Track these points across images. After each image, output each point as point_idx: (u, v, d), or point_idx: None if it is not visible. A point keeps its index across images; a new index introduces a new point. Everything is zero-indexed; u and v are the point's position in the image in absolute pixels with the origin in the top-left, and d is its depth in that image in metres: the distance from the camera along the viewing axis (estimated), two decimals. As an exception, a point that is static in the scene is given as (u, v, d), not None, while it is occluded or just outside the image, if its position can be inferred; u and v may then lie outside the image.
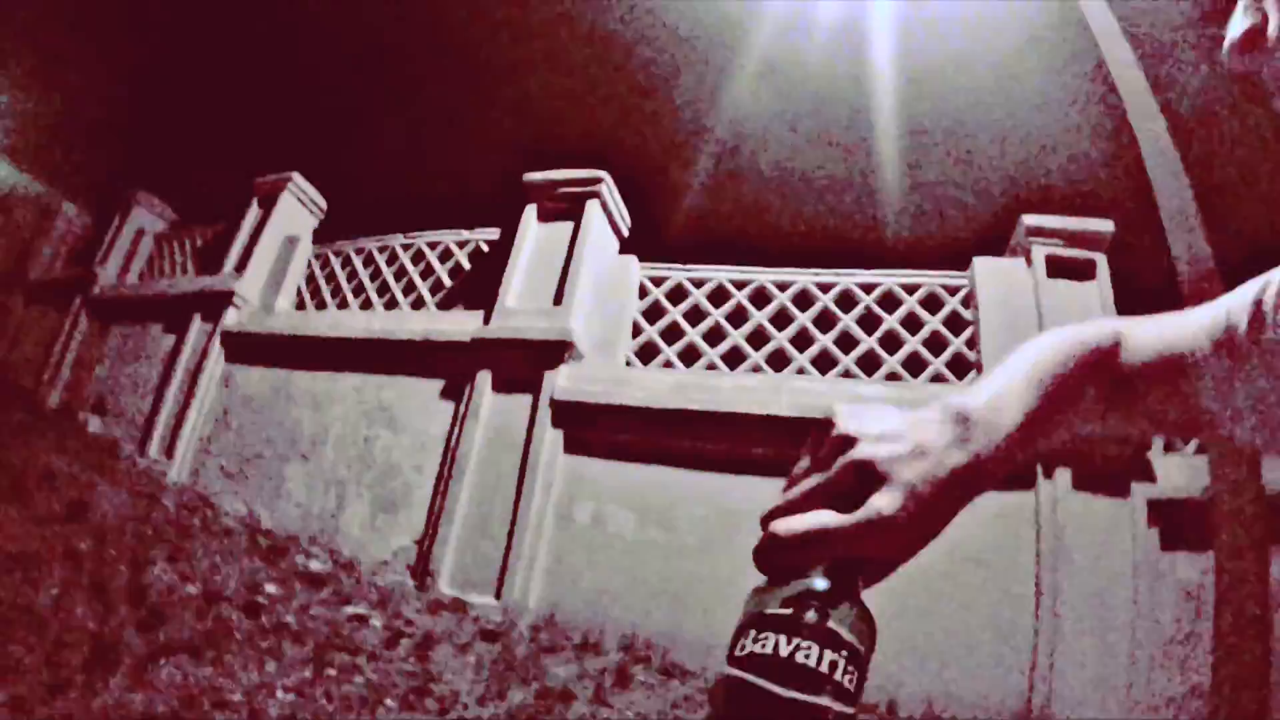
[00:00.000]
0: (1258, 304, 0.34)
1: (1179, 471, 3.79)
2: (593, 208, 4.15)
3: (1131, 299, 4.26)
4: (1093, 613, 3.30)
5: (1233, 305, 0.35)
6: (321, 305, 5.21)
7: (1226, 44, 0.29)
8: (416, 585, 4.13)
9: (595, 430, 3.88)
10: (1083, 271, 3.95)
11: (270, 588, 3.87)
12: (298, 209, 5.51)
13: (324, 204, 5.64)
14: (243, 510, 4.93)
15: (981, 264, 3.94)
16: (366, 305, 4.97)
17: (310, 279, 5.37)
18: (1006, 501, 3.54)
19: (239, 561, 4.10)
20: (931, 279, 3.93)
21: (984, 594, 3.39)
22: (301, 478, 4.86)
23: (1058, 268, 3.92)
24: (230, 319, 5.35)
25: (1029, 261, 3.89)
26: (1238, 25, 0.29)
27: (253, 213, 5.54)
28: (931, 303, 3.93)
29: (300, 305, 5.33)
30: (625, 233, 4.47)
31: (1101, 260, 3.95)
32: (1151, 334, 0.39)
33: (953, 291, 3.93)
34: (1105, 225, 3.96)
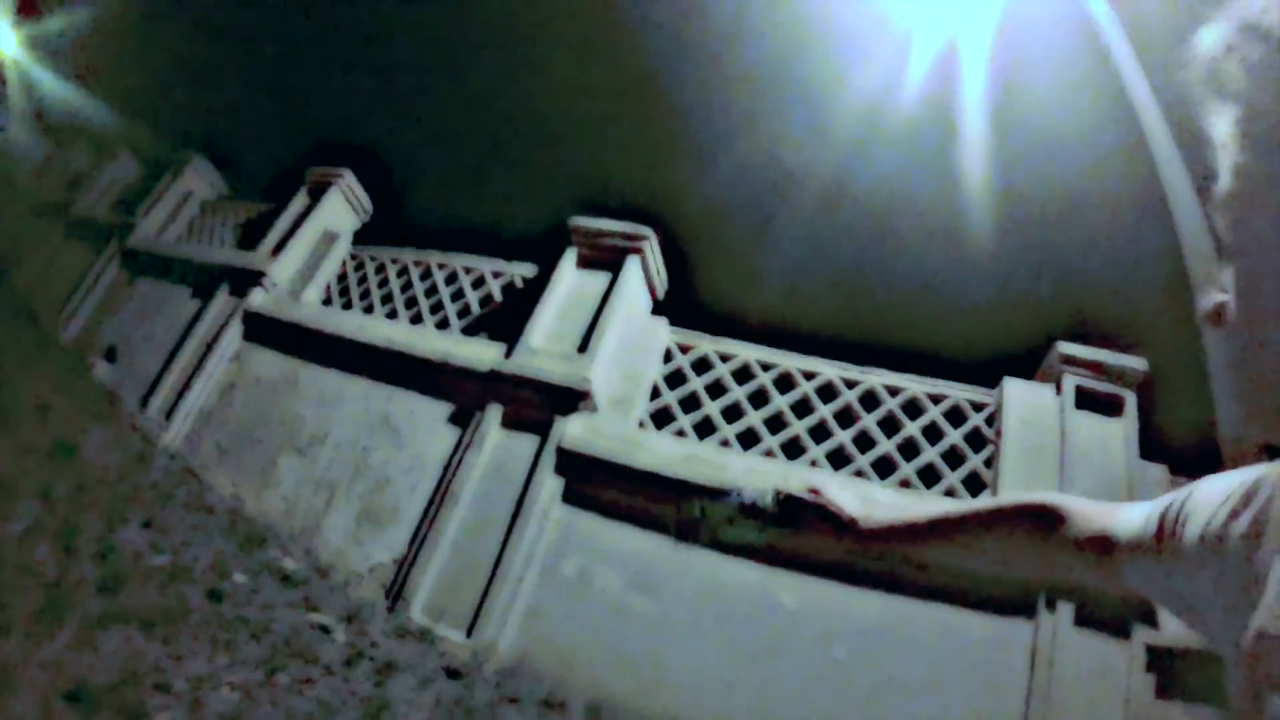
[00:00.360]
0: (1162, 517, 0.44)
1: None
2: (632, 263, 4.18)
3: (1153, 444, 4.20)
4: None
5: (1152, 513, 0.46)
6: (348, 305, 5.25)
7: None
8: (388, 606, 4.03)
9: (598, 486, 3.82)
10: (1111, 407, 3.89)
11: (239, 577, 3.78)
12: (343, 206, 5.60)
13: (370, 206, 5.74)
14: (228, 492, 4.87)
15: (1011, 385, 3.90)
16: (392, 315, 4.99)
17: (342, 277, 5.42)
18: (1000, 629, 3.42)
19: (213, 543, 4.02)
20: (959, 392, 3.89)
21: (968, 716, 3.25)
22: (294, 472, 4.81)
23: (1087, 400, 3.87)
24: (256, 298, 5.40)
25: (1059, 389, 3.84)
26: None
27: (299, 200, 5.63)
28: (954, 415, 3.88)
29: (327, 301, 5.37)
30: (660, 294, 4.49)
31: (1131, 398, 3.90)
32: (1094, 514, 0.52)
33: (978, 407, 3.88)
34: (1139, 362, 3.92)
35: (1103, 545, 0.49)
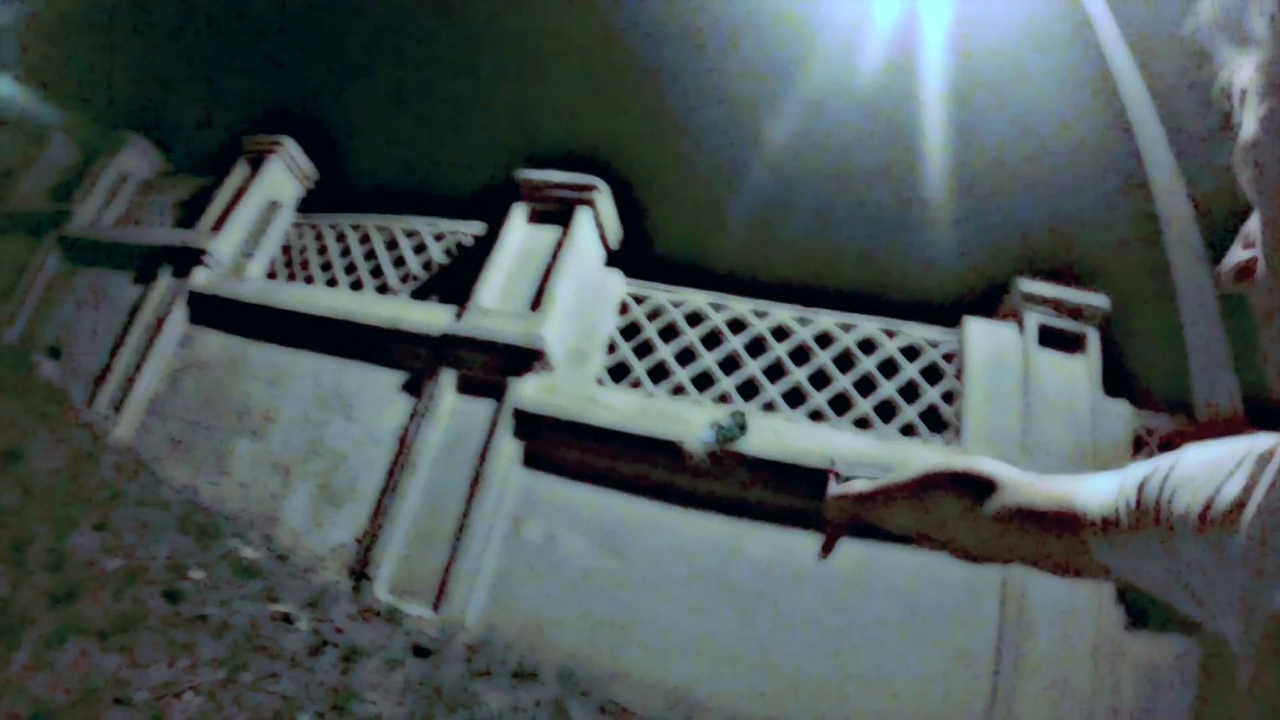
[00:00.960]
0: (1141, 489, 0.40)
1: None
2: (584, 215, 4.01)
3: (1119, 378, 4.21)
4: (1052, 687, 3.18)
5: (1125, 486, 0.41)
6: (293, 277, 5.00)
7: (1222, 267, 0.34)
8: (352, 587, 3.89)
9: (557, 447, 3.70)
10: (1074, 343, 3.87)
11: (196, 572, 3.61)
12: (285, 174, 5.32)
13: (313, 173, 5.46)
14: (183, 483, 4.66)
15: (972, 324, 3.84)
16: (338, 284, 4.77)
17: (287, 249, 5.17)
18: (973, 570, 3.42)
19: (169, 539, 3.83)
20: (914, 330, 3.83)
21: (943, 661, 3.25)
22: (247, 456, 4.61)
23: (1049, 337, 3.84)
24: (199, 278, 5.12)
25: (1021, 327, 3.80)
26: (1233, 256, 0.33)
27: (239, 172, 5.33)
28: (912, 353, 3.82)
29: (272, 274, 5.12)
30: (614, 245, 4.34)
31: (1094, 335, 3.88)
32: (1048, 489, 0.47)
33: (935, 345, 3.83)
34: (1101, 300, 3.90)
35: (1066, 522, 0.44)
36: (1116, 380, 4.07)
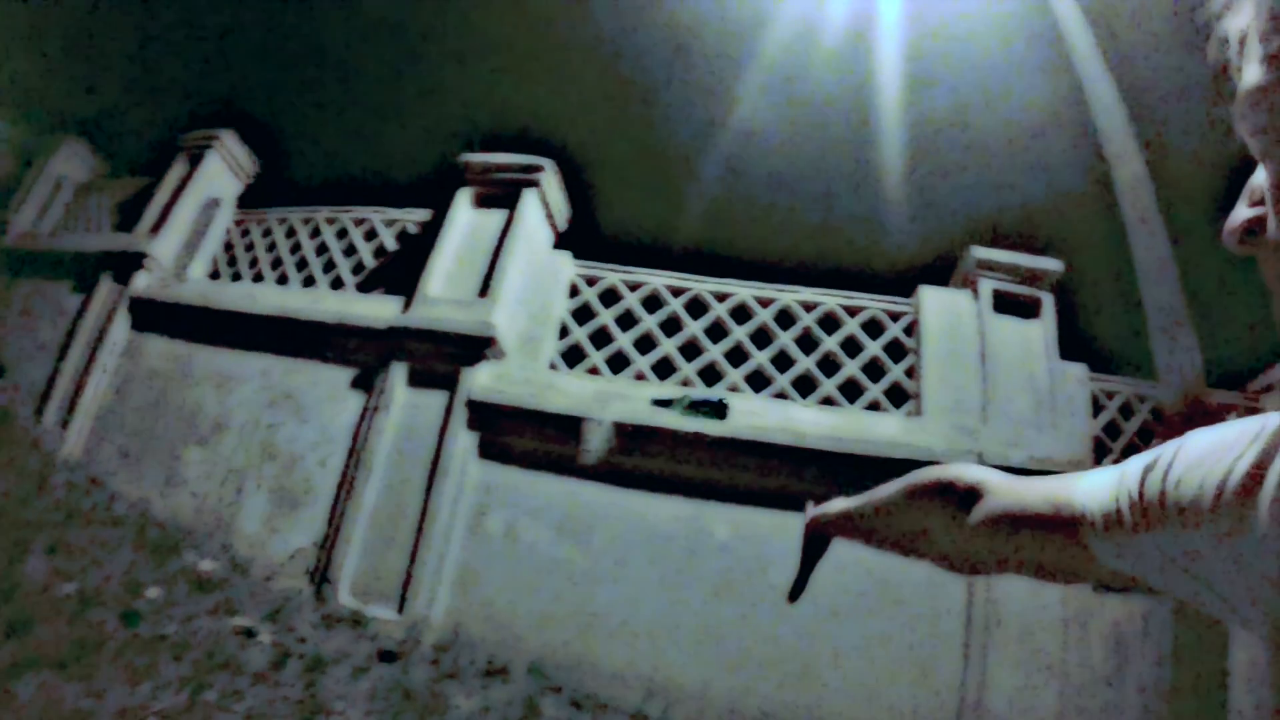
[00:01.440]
0: (1143, 482, 0.37)
1: None
2: (530, 197, 3.89)
3: (1075, 342, 4.24)
4: (1022, 651, 3.20)
5: (1126, 479, 0.38)
6: (237, 276, 4.80)
7: (1227, 227, 0.32)
8: (314, 593, 3.76)
9: (513, 436, 3.60)
10: (1029, 309, 3.87)
11: (153, 591, 3.46)
12: (224, 170, 5.09)
13: (253, 167, 5.24)
14: (136, 497, 4.46)
15: (927, 292, 3.82)
16: (283, 280, 4.59)
17: (229, 246, 4.96)
18: None
19: (123, 557, 3.66)
20: (875, 303, 3.80)
21: (912, 630, 3.25)
22: (199, 464, 4.43)
23: (1004, 303, 3.84)
24: (140, 283, 4.89)
25: (975, 294, 3.79)
26: (1239, 215, 0.31)
27: (177, 170, 5.09)
28: (873, 328, 3.79)
29: (215, 274, 4.91)
30: (562, 227, 4.22)
31: (1048, 300, 3.89)
32: (1039, 490, 0.44)
33: (896, 317, 3.80)
34: (1055, 264, 3.90)
35: (1063, 524, 0.41)
36: (1073, 344, 4.10)
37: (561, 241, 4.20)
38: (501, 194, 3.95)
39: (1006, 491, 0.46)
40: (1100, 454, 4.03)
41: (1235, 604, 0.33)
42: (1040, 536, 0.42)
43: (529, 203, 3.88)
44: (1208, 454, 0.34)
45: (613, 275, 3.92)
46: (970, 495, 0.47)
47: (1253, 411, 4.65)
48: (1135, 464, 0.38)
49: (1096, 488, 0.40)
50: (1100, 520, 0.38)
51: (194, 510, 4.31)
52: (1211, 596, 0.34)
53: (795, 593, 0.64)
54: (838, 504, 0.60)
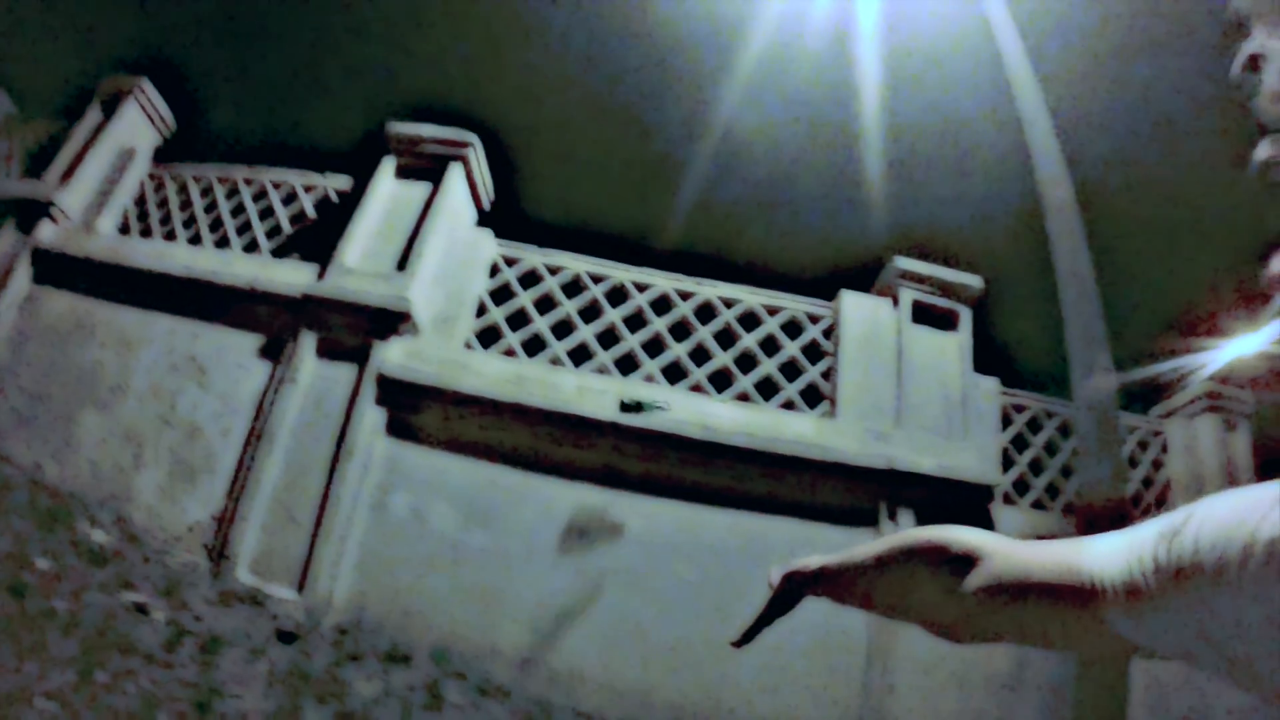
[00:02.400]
0: (1165, 548, 0.35)
1: (1015, 523, 3.88)
2: (455, 171, 3.79)
3: (990, 357, 4.39)
4: (925, 653, 3.28)
5: (1143, 546, 0.37)
6: (148, 233, 4.53)
7: (1270, 274, 0.34)
8: (211, 568, 3.57)
9: (423, 415, 3.50)
10: (947, 321, 3.99)
11: (43, 562, 3.22)
12: (141, 120, 4.79)
13: (172, 120, 4.95)
14: (27, 461, 4.16)
15: (848, 298, 3.89)
16: (196, 240, 4.35)
17: (141, 202, 4.67)
18: (849, 537, 3.47)
19: (12, 526, 3.40)
20: (795, 304, 3.84)
21: (818, 630, 3.29)
22: (96, 429, 4.15)
23: (923, 314, 3.94)
24: (46, 233, 4.55)
25: (895, 303, 3.88)
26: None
27: (91, 117, 4.76)
28: (793, 328, 3.83)
29: (125, 229, 4.61)
30: (487, 204, 4.13)
31: (966, 313, 4.01)
32: (1043, 557, 0.42)
33: (815, 320, 3.85)
34: (975, 280, 4.03)
35: (1073, 593, 0.39)
36: (988, 359, 4.25)
37: (486, 220, 4.11)
38: (426, 167, 3.83)
39: (1006, 558, 0.43)
40: (1007, 465, 4.19)
41: (1260, 670, 0.31)
42: (1046, 606, 0.40)
43: (454, 178, 3.77)
44: (1230, 517, 0.33)
45: (534, 257, 3.85)
46: (965, 561, 0.44)
47: (1157, 435, 4.92)
48: (1148, 530, 0.37)
49: (1108, 555, 0.38)
50: (1116, 588, 0.36)
51: (89, 478, 4.05)
52: (1228, 666, 0.33)
53: (744, 640, 0.59)
54: (815, 560, 0.57)
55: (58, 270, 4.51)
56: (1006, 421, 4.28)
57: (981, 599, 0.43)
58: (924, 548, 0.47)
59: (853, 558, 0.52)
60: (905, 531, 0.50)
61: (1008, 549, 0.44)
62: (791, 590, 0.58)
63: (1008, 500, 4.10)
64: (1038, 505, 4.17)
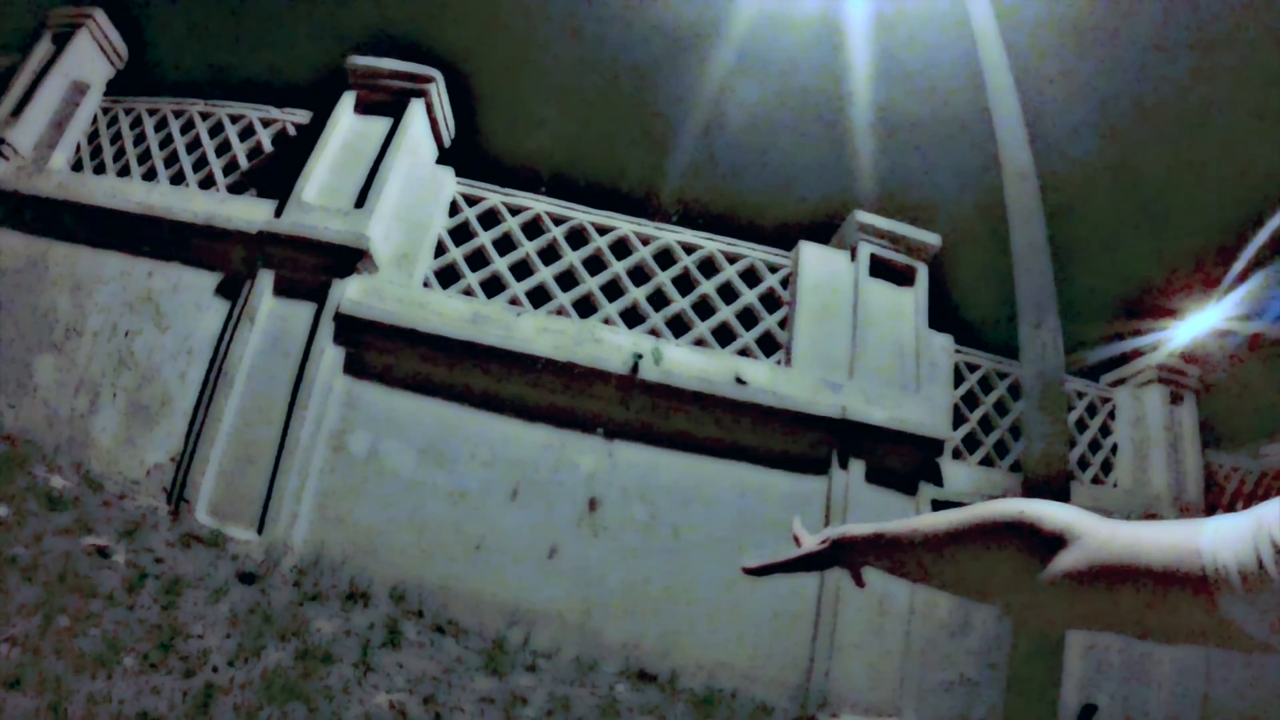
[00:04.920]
0: None
1: (963, 478, 4.02)
2: (416, 107, 3.73)
3: (948, 316, 4.50)
4: (873, 602, 3.40)
5: (1266, 525, 0.33)
6: (101, 169, 4.40)
7: None
8: (170, 511, 3.57)
9: (381, 354, 3.50)
10: (904, 277, 4.07)
11: (0, 509, 3.19)
12: (94, 51, 4.61)
13: (125, 51, 4.78)
14: None
15: (807, 248, 3.95)
16: (150, 176, 4.24)
17: (94, 136, 4.53)
18: (800, 484, 3.57)
19: None
20: (755, 253, 3.89)
21: (774, 582, 3.39)
22: (52, 372, 4.08)
23: (881, 269, 4.01)
24: (-4, 171, 4.40)
25: (854, 256, 3.94)
26: None
27: (42, 49, 4.57)
28: (751, 277, 3.89)
29: (78, 166, 4.48)
30: (448, 141, 4.08)
31: (923, 270, 4.10)
32: (1152, 539, 0.38)
33: (774, 269, 3.91)
34: (933, 238, 4.11)
35: (1185, 579, 0.35)
36: (944, 318, 4.36)
37: (448, 158, 4.06)
38: (388, 102, 3.77)
39: (1106, 539, 0.39)
40: (958, 422, 4.33)
41: None
42: (1150, 593, 0.36)
43: (415, 113, 3.72)
44: None
45: (494, 196, 3.83)
46: (1055, 541, 0.40)
47: (1105, 401, 5.12)
48: (1273, 508, 0.34)
49: (1228, 537, 0.34)
50: (1237, 574, 0.33)
51: (45, 422, 4.00)
52: None
53: (759, 572, 0.57)
54: (866, 526, 0.52)
55: (9, 209, 4.37)
56: (959, 379, 4.41)
57: (1072, 584, 0.39)
58: (1008, 523, 0.42)
59: (915, 528, 0.48)
60: (984, 504, 0.45)
61: (1108, 530, 0.39)
62: (832, 554, 0.54)
63: (957, 455, 4.25)
64: (986, 462, 4.33)
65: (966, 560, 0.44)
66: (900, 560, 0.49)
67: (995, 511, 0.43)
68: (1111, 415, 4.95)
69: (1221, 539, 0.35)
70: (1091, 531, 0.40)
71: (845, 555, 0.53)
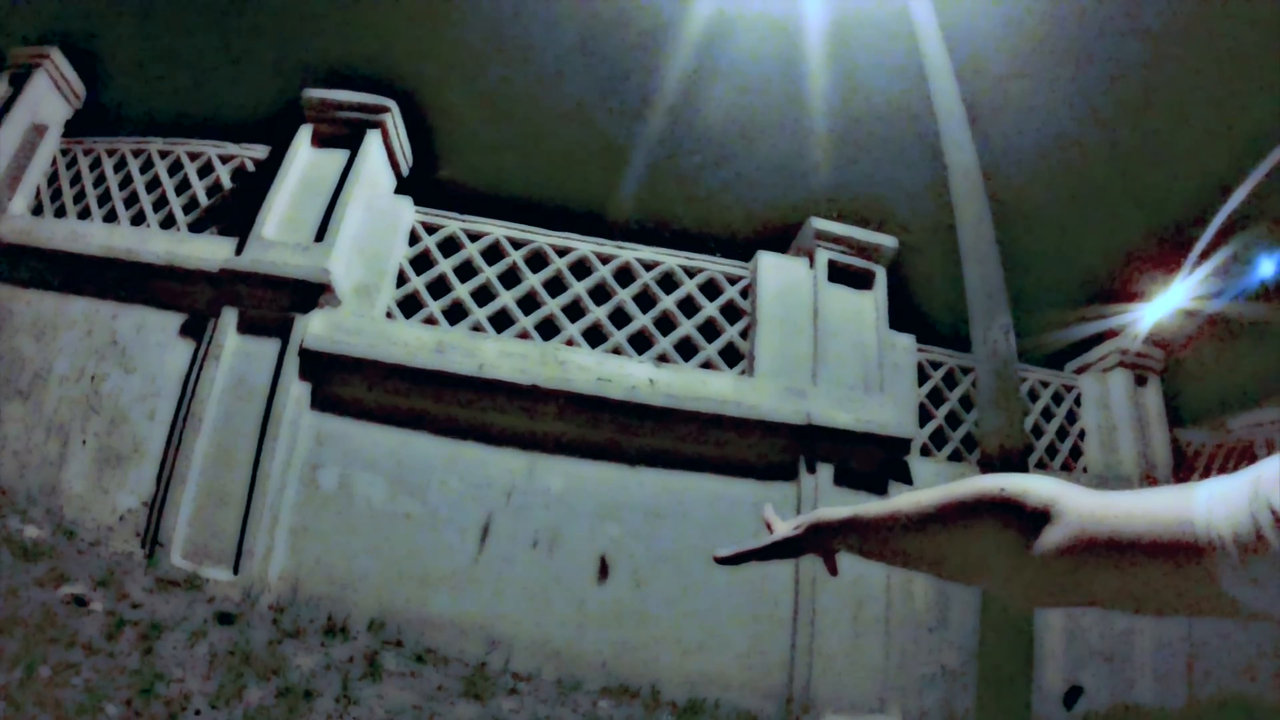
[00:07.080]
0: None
1: (932, 474, 4.10)
2: (373, 138, 3.77)
3: (909, 315, 4.60)
4: (850, 601, 3.45)
5: (1264, 490, 0.31)
6: (62, 212, 4.39)
7: None
8: (145, 555, 3.56)
9: (347, 386, 3.52)
10: (863, 280, 4.16)
11: None
12: (52, 92, 4.61)
13: (83, 91, 4.77)
14: None
15: (765, 258, 4.02)
16: (111, 217, 4.24)
17: (53, 179, 4.52)
18: (769, 492, 3.63)
19: None
20: (713, 265, 3.96)
21: (744, 583, 3.44)
22: (20, 420, 4.05)
23: (839, 273, 4.10)
24: (-46, 219, 4.37)
25: (812, 263, 4.02)
26: None
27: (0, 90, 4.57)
28: (711, 289, 3.95)
29: (38, 210, 4.47)
30: (405, 171, 4.13)
31: (881, 273, 4.19)
32: (1141, 508, 0.36)
33: (734, 280, 3.98)
34: (890, 240, 4.20)
35: (1179, 550, 0.33)
36: (906, 318, 4.45)
37: (406, 188, 4.11)
38: (344, 134, 3.81)
39: (1094, 511, 0.37)
40: (924, 419, 4.42)
41: None
42: (1144, 565, 0.34)
43: (371, 144, 3.76)
44: None
45: (453, 223, 3.87)
46: (1041, 516, 0.38)
47: (1070, 389, 5.24)
48: (1271, 470, 0.31)
49: (1222, 503, 0.32)
50: (1235, 542, 0.31)
51: (15, 470, 3.97)
52: None
53: (730, 561, 0.55)
54: (842, 510, 0.50)
55: (-31, 256, 4.34)
56: (923, 377, 4.50)
57: (1063, 559, 0.37)
58: (991, 500, 0.40)
59: (894, 510, 0.46)
60: (964, 481, 0.43)
61: (1097, 501, 0.37)
62: (808, 540, 0.52)
63: (925, 452, 4.33)
64: (955, 457, 4.42)
65: (947, 541, 0.43)
66: (878, 543, 0.47)
67: (975, 489, 0.42)
68: (1078, 402, 5.06)
69: (1215, 505, 0.33)
70: (1077, 505, 0.38)
71: (821, 540, 0.52)
